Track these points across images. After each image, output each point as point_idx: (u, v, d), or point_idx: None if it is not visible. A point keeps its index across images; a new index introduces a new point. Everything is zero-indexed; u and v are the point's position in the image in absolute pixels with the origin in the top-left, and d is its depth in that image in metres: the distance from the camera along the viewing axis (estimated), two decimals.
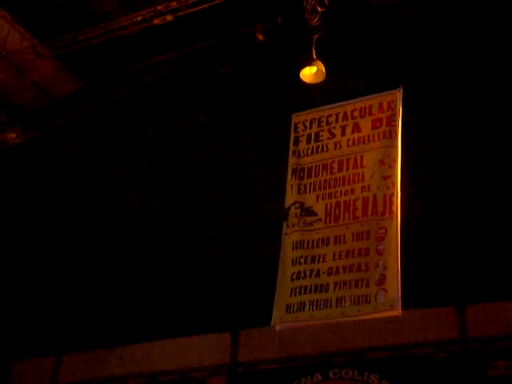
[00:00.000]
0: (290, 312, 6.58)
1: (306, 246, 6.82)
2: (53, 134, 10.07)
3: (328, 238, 6.74)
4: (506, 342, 9.14)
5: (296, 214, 7.03)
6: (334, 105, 7.48)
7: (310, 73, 7.57)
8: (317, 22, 7.39)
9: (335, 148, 7.18)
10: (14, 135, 9.48)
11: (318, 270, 6.63)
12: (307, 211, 6.99)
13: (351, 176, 6.94)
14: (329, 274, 6.57)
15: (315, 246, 6.77)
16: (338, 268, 6.55)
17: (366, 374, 9.63)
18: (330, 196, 6.96)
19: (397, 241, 6.40)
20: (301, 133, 7.47)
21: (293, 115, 7.65)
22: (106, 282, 11.64)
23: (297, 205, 7.08)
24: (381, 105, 7.12)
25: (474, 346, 9.34)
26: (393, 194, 6.58)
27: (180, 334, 10.96)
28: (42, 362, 11.73)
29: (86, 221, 11.43)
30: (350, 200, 6.82)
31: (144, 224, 11.36)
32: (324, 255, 6.68)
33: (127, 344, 11.25)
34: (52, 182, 10.88)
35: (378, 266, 6.38)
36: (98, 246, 11.56)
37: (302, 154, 7.35)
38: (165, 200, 11.07)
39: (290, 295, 6.64)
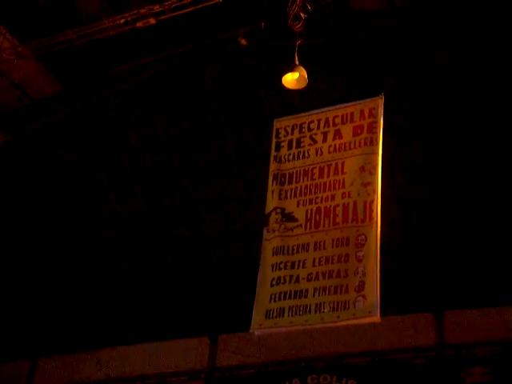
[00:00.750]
0: (269, 317, 6.59)
1: (286, 252, 6.84)
2: (33, 136, 10.00)
3: (308, 244, 6.77)
4: (483, 348, 9.21)
5: (277, 219, 7.06)
6: (315, 111, 7.53)
7: (292, 78, 7.58)
8: (300, 28, 7.42)
9: (316, 154, 7.22)
10: None
11: (298, 276, 6.66)
12: (288, 217, 7.02)
13: (332, 182, 6.98)
14: (308, 279, 6.60)
15: (295, 251, 6.80)
16: (317, 274, 6.58)
17: (344, 379, 9.67)
18: (310, 202, 6.99)
19: (376, 247, 6.44)
20: (282, 138, 7.50)
21: (275, 121, 7.68)
22: (83, 287, 11.56)
23: (278, 210, 7.10)
24: (362, 112, 7.16)
25: (451, 352, 9.40)
26: (373, 200, 6.63)
27: (158, 337, 10.91)
28: (17, 366, 11.61)
29: (62, 224, 11.35)
30: (330, 206, 6.86)
31: (124, 228, 11.32)
32: (304, 261, 6.71)
33: (104, 348, 11.18)
34: (32, 184, 10.80)
35: (357, 273, 6.42)
36: (74, 250, 11.49)
37: (283, 159, 7.38)
38: (145, 203, 11.04)
39: (270, 301, 6.66)
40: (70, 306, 11.54)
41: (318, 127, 7.34)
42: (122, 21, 8.24)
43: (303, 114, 7.57)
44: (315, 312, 6.43)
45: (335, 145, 7.16)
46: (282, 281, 6.72)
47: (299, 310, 6.50)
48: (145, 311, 11.28)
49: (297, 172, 7.23)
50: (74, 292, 11.56)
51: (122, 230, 11.36)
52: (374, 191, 6.65)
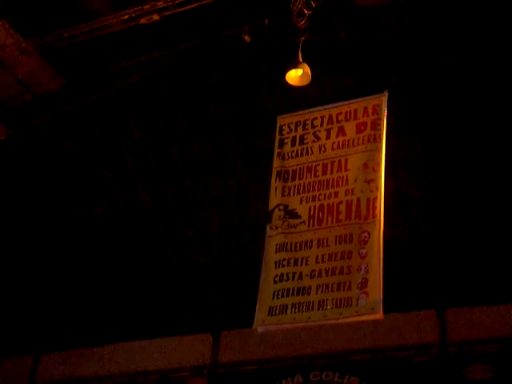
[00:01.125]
0: (272, 314, 6.58)
1: (289, 249, 6.82)
2: (36, 131, 10.00)
3: (311, 241, 6.74)
4: (484, 346, 9.23)
5: (280, 216, 7.03)
6: (319, 108, 7.49)
7: (295, 75, 7.58)
8: (303, 24, 7.41)
9: (320, 151, 7.19)
10: None
11: (301, 273, 6.64)
12: (291, 214, 7.00)
13: (335, 179, 6.95)
14: (311, 276, 6.57)
15: (298, 248, 6.78)
16: (320, 271, 6.56)
17: (347, 376, 9.68)
18: (313, 199, 6.97)
19: (379, 245, 6.41)
20: (286, 135, 7.47)
21: (278, 117, 7.64)
22: (85, 283, 11.57)
23: (281, 207, 7.08)
24: (366, 109, 7.13)
25: (454, 349, 9.42)
26: (376, 197, 6.60)
27: (161, 334, 10.93)
28: (21, 362, 11.64)
29: (64, 219, 11.36)
30: (333, 203, 6.83)
31: (125, 224, 11.32)
32: (307, 258, 6.69)
33: (107, 344, 11.20)
34: (35, 180, 10.80)
35: (360, 270, 6.39)
36: (76, 246, 11.49)
37: (286, 156, 7.36)
38: (148, 200, 11.04)
39: (273, 297, 6.64)
40: (72, 302, 11.56)
41: (322, 124, 7.31)
42: (126, 17, 8.24)
43: (306, 111, 7.53)
44: (318, 309, 6.41)
45: (338, 142, 7.12)
46: (285, 278, 6.69)
47: (302, 307, 6.48)
48: (148, 307, 11.29)
49: (300, 169, 7.20)
50: (77, 288, 11.57)
51: (123, 226, 11.36)
52: (378, 188, 6.62)
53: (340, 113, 7.26)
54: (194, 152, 10.62)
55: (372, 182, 6.69)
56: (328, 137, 7.21)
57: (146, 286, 11.46)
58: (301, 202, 7.01)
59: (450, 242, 9.99)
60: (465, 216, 9.83)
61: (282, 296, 6.60)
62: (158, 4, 8.11)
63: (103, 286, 11.53)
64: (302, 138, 7.35)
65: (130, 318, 11.26)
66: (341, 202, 6.79)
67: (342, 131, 7.16)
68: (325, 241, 6.69)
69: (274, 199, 7.18)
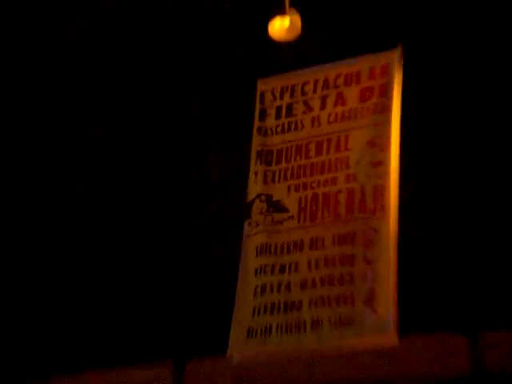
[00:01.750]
0: (251, 337, 6.67)
1: (273, 252, 6.91)
2: None
3: (302, 242, 6.83)
4: None
5: (261, 209, 7.11)
6: (311, 69, 7.55)
7: (281, 26, 7.60)
8: None
9: (312, 125, 7.27)
10: None
11: (289, 283, 6.73)
12: (276, 206, 7.07)
13: (333, 161, 7.03)
14: (302, 287, 6.67)
15: (285, 251, 6.87)
16: (314, 280, 6.65)
17: None
18: (305, 187, 7.05)
19: (390, 246, 6.48)
20: (268, 104, 7.54)
21: (259, 81, 7.71)
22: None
23: (262, 198, 7.15)
24: (372, 70, 7.20)
25: (488, 378, 9.52)
26: (384, 185, 6.65)
27: (117, 364, 10.97)
28: None
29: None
30: (330, 192, 6.90)
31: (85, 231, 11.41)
32: (296, 263, 6.78)
33: (52, 378, 11.26)
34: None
35: (365, 278, 6.46)
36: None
37: (269, 132, 7.43)
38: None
39: (253, 315, 6.73)
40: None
41: (315, 90, 7.38)
42: None
43: (295, 73, 7.59)
44: (311, 329, 6.50)
45: (337, 113, 7.20)
46: (269, 289, 6.80)
47: (291, 328, 6.59)
48: (100, 334, 11.32)
49: (287, 148, 7.28)
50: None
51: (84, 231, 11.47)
52: (387, 173, 6.69)
53: (339, 75, 7.33)
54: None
55: (380, 164, 6.76)
56: (323, 106, 7.29)
57: (97, 306, 11.50)
58: (288, 191, 7.09)
59: (487, 243, 10.06)
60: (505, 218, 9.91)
61: (265, 313, 6.70)
62: None
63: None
64: (289, 108, 7.42)
65: (80, 347, 11.32)
66: (340, 191, 6.88)
67: (341, 99, 7.23)
68: (320, 241, 6.78)
69: (254, 187, 7.25)
